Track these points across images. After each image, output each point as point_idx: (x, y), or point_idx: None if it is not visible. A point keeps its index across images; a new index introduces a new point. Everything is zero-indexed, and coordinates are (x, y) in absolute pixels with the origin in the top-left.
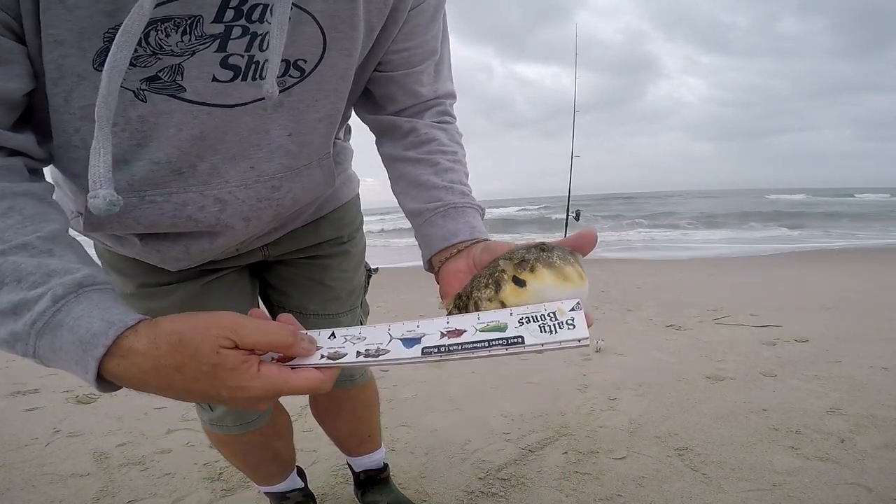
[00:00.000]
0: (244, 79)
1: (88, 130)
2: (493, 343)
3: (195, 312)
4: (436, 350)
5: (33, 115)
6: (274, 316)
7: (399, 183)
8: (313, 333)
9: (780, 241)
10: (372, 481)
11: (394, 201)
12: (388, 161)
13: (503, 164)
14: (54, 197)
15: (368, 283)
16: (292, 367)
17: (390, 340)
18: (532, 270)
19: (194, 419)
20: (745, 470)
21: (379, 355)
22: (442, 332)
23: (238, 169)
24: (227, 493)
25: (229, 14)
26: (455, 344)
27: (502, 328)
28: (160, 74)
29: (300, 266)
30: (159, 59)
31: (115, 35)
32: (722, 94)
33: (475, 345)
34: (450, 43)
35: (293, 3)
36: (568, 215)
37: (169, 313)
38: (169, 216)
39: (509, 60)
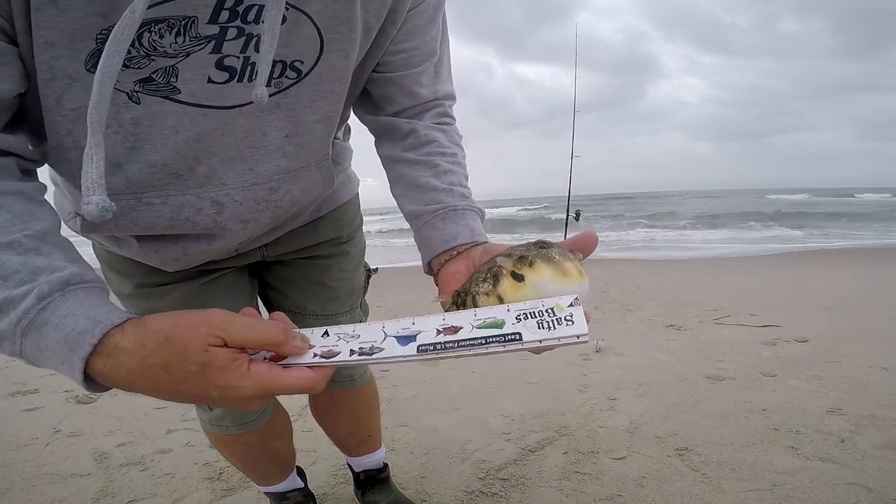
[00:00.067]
0: (240, 80)
1: (81, 132)
2: (490, 340)
3: (184, 311)
4: (431, 347)
5: (27, 115)
6: None
7: (398, 185)
8: (306, 332)
9: (780, 241)
10: (372, 481)
11: (394, 201)
12: (387, 162)
13: (503, 164)
14: (53, 197)
15: (368, 283)
16: (284, 367)
17: (385, 338)
18: (531, 265)
19: (194, 419)
20: (745, 470)
21: (373, 353)
22: (438, 330)
23: (235, 171)
24: (227, 493)
25: (224, 15)
26: (451, 341)
27: (499, 325)
28: (154, 76)
29: (299, 266)
30: (153, 60)
31: (108, 36)
32: (722, 94)
33: (472, 342)
34: (449, 43)
35: (290, 4)
36: (568, 215)
37: None
38: (166, 218)
39: (509, 60)
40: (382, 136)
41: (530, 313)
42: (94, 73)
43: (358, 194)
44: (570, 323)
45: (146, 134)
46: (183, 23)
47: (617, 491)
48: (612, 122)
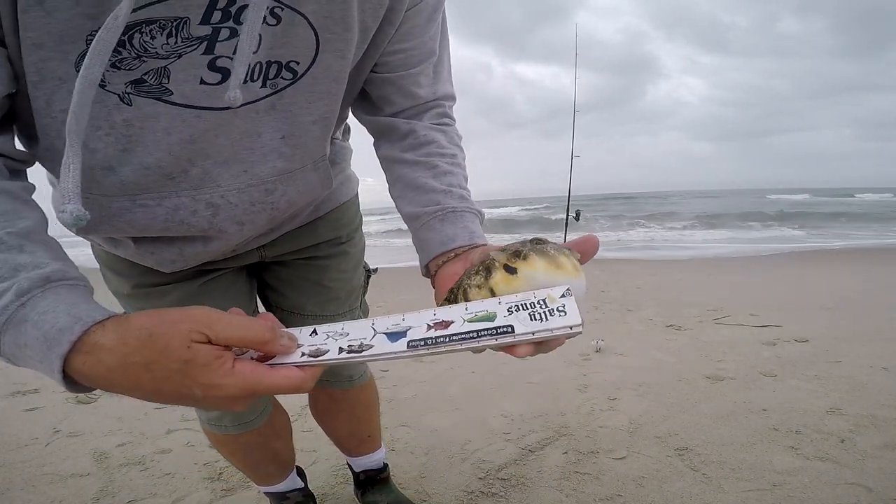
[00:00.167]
0: None
1: None
2: (482, 333)
3: (168, 308)
4: (422, 343)
5: (19, 117)
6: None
7: (396, 186)
8: (294, 331)
9: (780, 241)
10: (372, 481)
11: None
12: (386, 163)
13: (503, 164)
14: (51, 197)
15: (368, 283)
16: (272, 366)
17: (374, 335)
18: (524, 258)
19: (194, 419)
20: (745, 470)
21: (362, 351)
22: (428, 325)
23: (231, 173)
24: (227, 493)
25: (216, 16)
26: (442, 336)
27: (491, 318)
28: (146, 77)
29: (298, 267)
30: (144, 61)
31: None
32: (722, 94)
33: (463, 336)
34: (449, 43)
35: (285, 4)
36: (568, 215)
37: None
38: (161, 220)
39: (509, 60)
40: (381, 137)
41: (522, 305)
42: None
43: (357, 194)
44: (562, 314)
45: (138, 136)
46: (174, 24)
47: (617, 491)
48: (612, 122)
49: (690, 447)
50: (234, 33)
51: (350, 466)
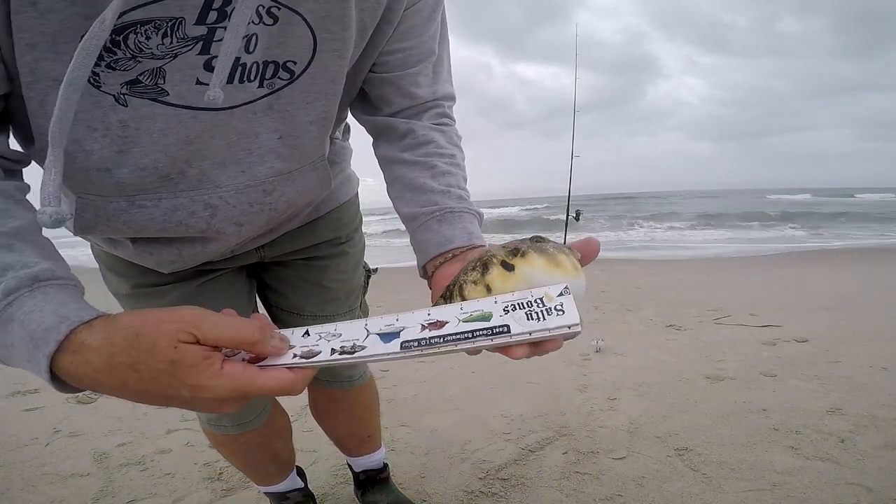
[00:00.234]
0: (230, 81)
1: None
2: (477, 333)
3: (157, 308)
4: (416, 344)
5: (14, 117)
6: (273, 317)
7: (395, 186)
8: (286, 332)
9: (779, 241)
10: (372, 481)
11: None
12: (384, 163)
13: (503, 164)
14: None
15: (368, 283)
16: (262, 367)
17: (367, 336)
18: (523, 256)
19: (194, 419)
20: (745, 470)
21: (354, 352)
22: (423, 325)
23: (228, 174)
24: (227, 493)
25: (212, 16)
26: (437, 336)
27: (487, 317)
28: (141, 78)
29: (297, 267)
30: (139, 62)
31: None
32: (722, 94)
33: (458, 336)
34: (449, 43)
35: (282, 4)
36: (568, 215)
37: None
38: (159, 221)
39: (509, 60)
40: (380, 137)
41: (518, 304)
42: None
43: (357, 194)
44: (560, 313)
45: (134, 137)
46: (170, 24)
47: (617, 491)
48: (612, 122)
49: (690, 447)
50: None
51: (350, 466)
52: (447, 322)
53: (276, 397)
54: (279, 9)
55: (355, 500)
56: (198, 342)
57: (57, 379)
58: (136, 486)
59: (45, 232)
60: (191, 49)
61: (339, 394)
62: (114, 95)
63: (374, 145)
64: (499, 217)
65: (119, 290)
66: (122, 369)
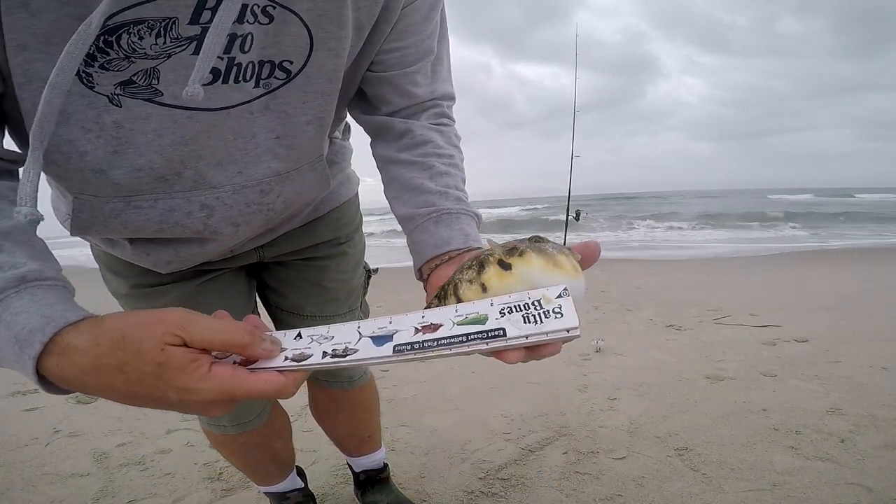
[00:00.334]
0: (225, 81)
1: (59, 134)
2: (472, 337)
3: (144, 309)
4: (409, 347)
5: (9, 117)
6: (273, 317)
7: (392, 186)
8: (278, 334)
9: (779, 241)
10: (372, 481)
11: None
12: (381, 163)
13: (503, 164)
14: (50, 198)
15: (368, 283)
16: (253, 370)
17: (359, 339)
18: (521, 255)
19: (194, 419)
20: (745, 470)
21: (346, 355)
22: (416, 328)
23: (225, 174)
24: (227, 493)
25: (206, 15)
26: (430, 340)
27: (482, 320)
28: (135, 78)
29: (297, 267)
30: (133, 62)
31: None
32: (722, 94)
33: (452, 340)
34: (449, 42)
35: (278, 3)
36: (568, 216)
37: None
38: (155, 221)
39: (509, 60)
40: (377, 137)
41: (515, 307)
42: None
43: (357, 194)
44: (558, 315)
45: (129, 138)
46: (163, 24)
47: (617, 491)
48: (612, 122)
49: (690, 447)
50: None
51: (350, 466)
52: (441, 325)
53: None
54: (274, 8)
55: (355, 500)
56: (185, 344)
57: (45, 380)
58: (136, 486)
59: (46, 232)
60: (184, 49)
61: (339, 394)
62: (107, 96)
63: (372, 145)
64: (497, 217)
65: (118, 290)
66: (108, 371)
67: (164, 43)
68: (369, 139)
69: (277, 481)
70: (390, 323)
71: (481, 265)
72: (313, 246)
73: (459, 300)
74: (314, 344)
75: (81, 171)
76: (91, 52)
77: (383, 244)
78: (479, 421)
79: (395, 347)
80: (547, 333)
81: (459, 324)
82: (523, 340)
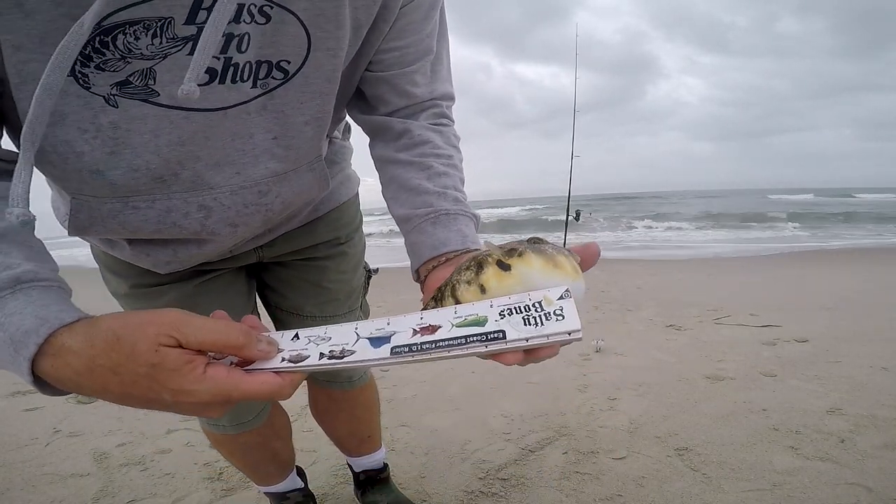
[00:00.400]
0: (222, 81)
1: (56, 135)
2: (471, 339)
3: (138, 310)
4: (406, 349)
5: (7, 118)
6: (273, 317)
7: (389, 187)
8: (276, 335)
9: (780, 241)
10: (372, 481)
11: None
12: (380, 164)
13: (503, 164)
14: (50, 198)
15: (368, 284)
16: (249, 371)
17: (357, 340)
18: (520, 256)
19: (194, 419)
20: (745, 470)
21: (343, 357)
22: (414, 330)
23: (223, 175)
24: (227, 493)
25: (202, 15)
26: (428, 342)
27: (481, 322)
28: (131, 79)
29: (296, 267)
30: (129, 62)
31: None
32: (722, 94)
33: (450, 342)
34: (449, 42)
35: (275, 3)
36: (568, 216)
37: None
38: (153, 222)
39: (508, 60)
40: (376, 137)
41: (515, 308)
42: (68, 76)
43: (358, 194)
44: (560, 318)
45: (125, 138)
46: (159, 24)
47: (617, 491)
48: (612, 122)
49: (690, 447)
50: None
51: (350, 466)
52: (440, 326)
53: None
54: (272, 7)
55: (355, 500)
56: (180, 346)
57: (40, 381)
58: (136, 486)
59: (46, 232)
60: (180, 49)
61: (339, 394)
62: (104, 97)
63: (371, 145)
64: (498, 217)
65: (118, 290)
66: (102, 372)
67: (161, 43)
68: (368, 140)
69: (277, 481)
70: (388, 324)
71: (480, 266)
72: (313, 246)
73: (458, 302)
74: (311, 345)
75: (79, 172)
76: (87, 52)
77: (383, 244)
78: (479, 421)
79: (392, 349)
80: (548, 336)
81: (458, 325)
82: (523, 343)
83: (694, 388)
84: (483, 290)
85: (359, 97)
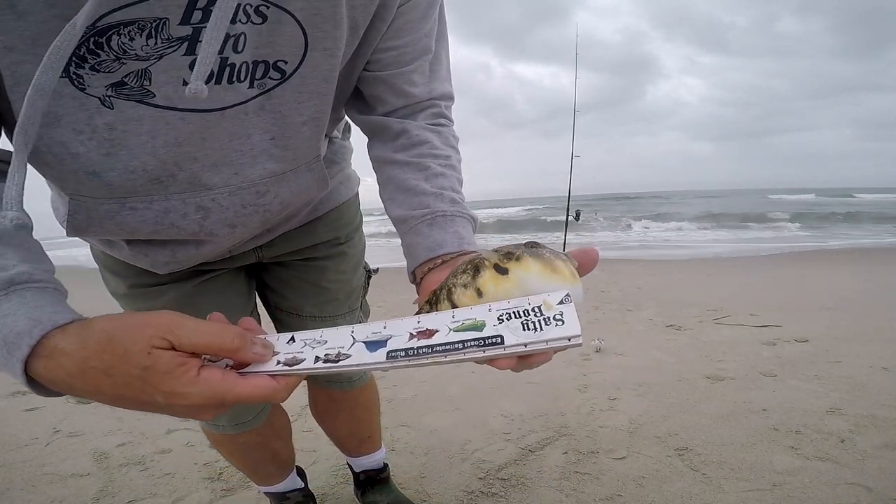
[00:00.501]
0: (218, 82)
1: (51, 136)
2: (469, 344)
3: (132, 312)
4: (402, 353)
5: (4, 118)
6: (273, 317)
7: (387, 187)
8: (271, 338)
9: (779, 241)
10: (372, 481)
11: None
12: (377, 164)
13: (503, 164)
14: (50, 198)
15: (368, 284)
16: (244, 374)
17: (353, 344)
18: (517, 260)
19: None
20: (745, 470)
21: (339, 360)
22: (411, 334)
23: (220, 175)
24: (227, 493)
25: (197, 15)
26: (425, 346)
27: (479, 327)
28: (126, 80)
29: (296, 268)
30: (124, 63)
31: None
32: (722, 94)
33: (447, 347)
34: (448, 42)
35: (271, 3)
36: (568, 216)
37: None
38: (150, 223)
39: (508, 60)
40: (374, 137)
41: (514, 313)
42: (63, 77)
43: (357, 194)
44: (559, 323)
45: (121, 139)
46: (154, 25)
47: (617, 491)
48: (612, 122)
49: (690, 447)
50: None
51: (350, 466)
52: (437, 331)
53: None
54: (268, 7)
55: (355, 500)
56: (173, 348)
57: (34, 382)
58: (136, 486)
59: (45, 232)
60: (176, 50)
61: (339, 394)
62: (99, 98)
63: (368, 145)
64: (498, 218)
65: (117, 290)
66: (94, 374)
67: (156, 44)
68: (366, 140)
69: (277, 481)
70: (385, 328)
71: (476, 269)
72: (312, 246)
73: (454, 305)
74: (307, 348)
75: (75, 173)
76: (82, 53)
77: (383, 244)
78: (479, 421)
79: (388, 353)
80: (547, 342)
81: (456, 330)
82: (522, 349)
83: (694, 388)
84: (480, 293)
85: (357, 97)
